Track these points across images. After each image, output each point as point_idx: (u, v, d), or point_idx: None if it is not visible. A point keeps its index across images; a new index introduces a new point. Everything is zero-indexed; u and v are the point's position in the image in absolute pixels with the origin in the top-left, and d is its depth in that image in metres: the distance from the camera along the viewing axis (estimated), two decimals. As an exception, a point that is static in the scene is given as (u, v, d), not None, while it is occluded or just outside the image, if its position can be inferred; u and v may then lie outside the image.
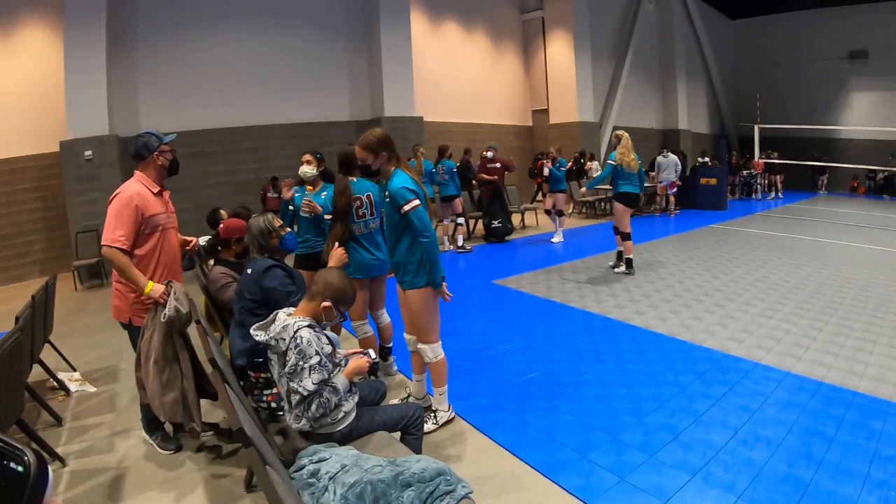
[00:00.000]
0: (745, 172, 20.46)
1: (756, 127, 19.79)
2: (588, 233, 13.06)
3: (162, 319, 3.46)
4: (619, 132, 8.74)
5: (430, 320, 3.90)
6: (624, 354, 5.31)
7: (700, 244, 11.13)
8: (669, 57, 23.00)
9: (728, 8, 27.05)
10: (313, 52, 13.58)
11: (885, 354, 5.14)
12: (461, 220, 11.24)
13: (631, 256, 8.59)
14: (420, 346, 3.97)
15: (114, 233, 3.50)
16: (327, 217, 4.73)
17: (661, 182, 15.70)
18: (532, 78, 19.51)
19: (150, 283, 3.59)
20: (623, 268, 8.64)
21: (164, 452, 3.86)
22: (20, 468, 0.37)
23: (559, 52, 18.39)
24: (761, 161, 20.19)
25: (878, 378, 4.62)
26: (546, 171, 11.45)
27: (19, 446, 0.38)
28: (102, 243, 3.53)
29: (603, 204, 16.52)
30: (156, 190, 3.75)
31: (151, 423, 3.90)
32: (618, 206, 8.52)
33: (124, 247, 3.52)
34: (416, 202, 3.59)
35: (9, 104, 10.91)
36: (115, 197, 3.59)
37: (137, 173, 3.77)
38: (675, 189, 15.86)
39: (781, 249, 10.55)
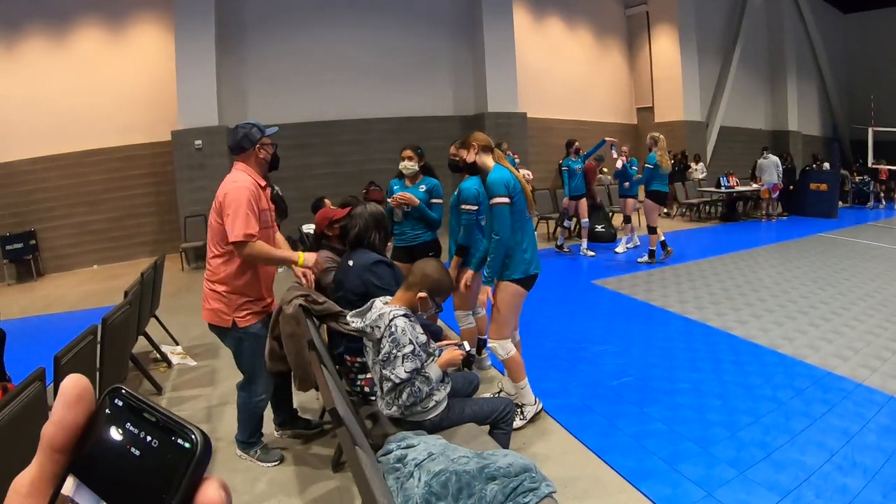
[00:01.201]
0: (858, 179, 19.22)
1: (870, 130, 18.59)
2: (692, 236, 12.63)
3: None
4: (656, 134, 9.04)
5: (507, 315, 3.91)
6: (722, 364, 5.12)
7: (807, 253, 10.57)
8: (779, 54, 21.79)
9: (840, 1, 25.31)
10: (416, 46, 13.71)
11: None
12: (583, 221, 10.49)
13: (654, 248, 9.25)
14: (490, 343, 3.99)
15: (246, 225, 3.22)
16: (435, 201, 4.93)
17: (763, 185, 14.99)
18: (637, 74, 19.04)
19: (301, 253, 3.51)
20: (646, 257, 9.35)
21: (267, 465, 3.66)
22: (187, 444, 0.40)
23: (664, 47, 17.86)
24: (886, 168, 18.84)
25: None
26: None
27: (188, 424, 0.41)
28: (236, 238, 3.22)
29: (708, 207, 15.98)
30: (263, 184, 3.52)
31: (248, 440, 3.71)
32: (650, 203, 9.09)
33: (256, 232, 3.28)
34: (504, 199, 3.65)
35: (124, 96, 11.66)
36: (231, 189, 3.32)
37: (241, 164, 3.48)
38: (778, 193, 15.13)
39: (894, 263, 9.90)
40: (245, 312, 3.43)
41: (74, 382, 0.43)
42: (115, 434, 0.41)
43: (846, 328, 6.13)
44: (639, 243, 10.60)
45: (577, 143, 9.88)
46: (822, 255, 10.39)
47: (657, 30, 18.04)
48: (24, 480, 0.42)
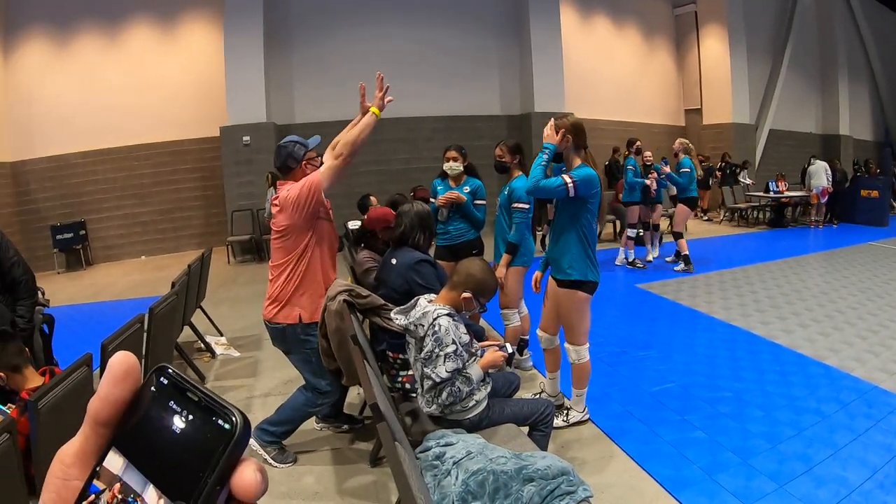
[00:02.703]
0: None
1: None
2: (739, 242, 12.39)
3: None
4: (685, 140, 9.04)
5: (581, 321, 3.87)
6: (765, 374, 5.04)
7: (857, 262, 10.29)
8: (830, 55, 21.06)
9: (894, 1, 24.28)
10: (463, 45, 13.71)
11: None
12: (631, 231, 9.46)
13: (687, 252, 9.00)
14: (567, 345, 3.95)
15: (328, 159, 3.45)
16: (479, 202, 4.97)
17: (813, 190, 14.61)
18: (685, 75, 18.71)
19: (373, 107, 3.62)
20: (682, 265, 9.04)
21: (282, 466, 3.62)
22: (227, 426, 0.43)
23: (713, 48, 17.49)
24: None
25: None
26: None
27: (228, 406, 0.43)
28: (324, 168, 3.39)
29: (756, 213, 15.69)
30: None
31: (275, 435, 3.64)
32: (684, 208, 9.06)
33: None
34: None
35: (174, 93, 11.98)
36: (297, 186, 3.35)
37: (289, 183, 3.47)
38: (827, 197, 14.73)
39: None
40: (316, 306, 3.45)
41: (122, 359, 0.45)
42: (159, 411, 0.44)
43: (894, 341, 5.98)
44: (655, 255, 10.04)
45: (638, 142, 9.39)
46: (872, 264, 10.10)
47: (706, 30, 17.69)
48: (69, 451, 0.44)
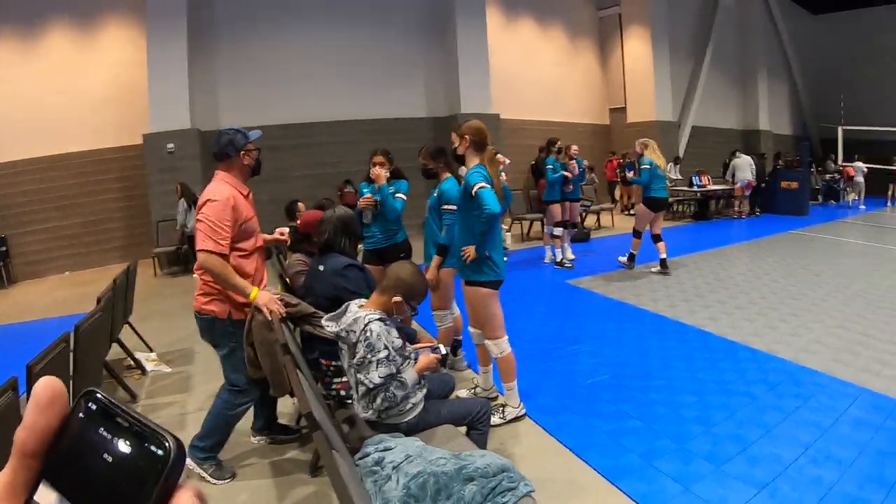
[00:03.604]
0: (828, 177, 19.57)
1: (839, 129, 18.90)
2: (665, 235, 12.56)
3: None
4: (645, 139, 8.83)
5: (491, 316, 3.96)
6: (695, 361, 5.18)
7: (778, 250, 10.73)
8: (750, 54, 22.15)
9: (810, 3, 25.75)
10: (390, 48, 13.72)
11: None
12: (556, 230, 9.30)
13: (636, 252, 8.92)
14: (486, 342, 4.02)
15: (214, 239, 3.14)
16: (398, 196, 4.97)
17: (737, 183, 15.24)
18: (609, 76, 19.19)
19: (255, 288, 3.28)
20: (625, 258, 8.98)
21: (221, 483, 3.48)
22: (160, 451, 0.40)
23: (636, 49, 18.01)
24: (849, 166, 19.16)
25: None
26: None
27: (161, 431, 0.40)
28: (200, 249, 3.16)
29: (681, 206, 16.21)
30: (245, 192, 3.45)
31: (206, 450, 3.49)
32: (645, 209, 8.71)
33: (225, 252, 3.19)
34: (487, 184, 3.70)
35: (94, 99, 11.56)
36: (208, 201, 3.22)
37: (222, 174, 3.41)
38: (751, 190, 15.41)
39: (864, 258, 10.07)
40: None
41: (47, 385, 0.42)
42: (89, 439, 0.41)
43: (816, 324, 6.25)
44: (572, 257, 9.72)
45: (559, 142, 9.29)
46: (793, 251, 10.57)
47: (629, 31, 18.19)
48: None
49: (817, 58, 26.18)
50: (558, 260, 9.33)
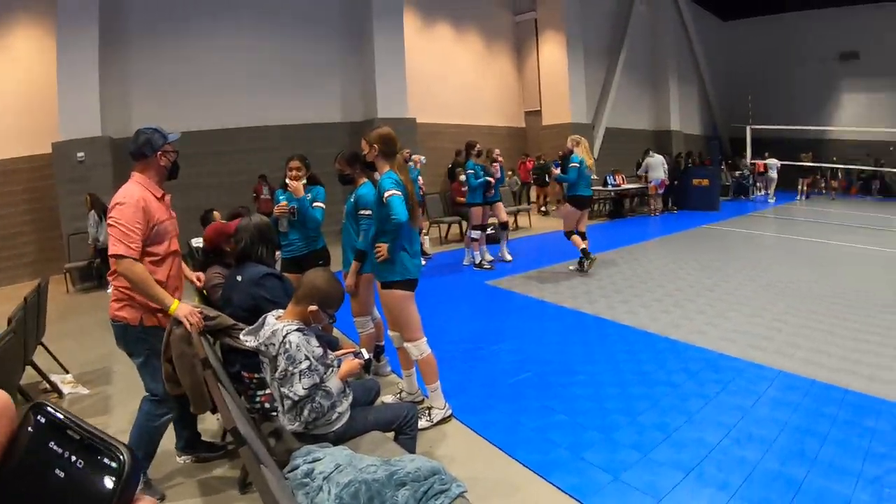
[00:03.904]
0: (737, 173, 20.56)
1: (748, 128, 19.87)
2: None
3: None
4: (577, 136, 8.88)
5: (408, 318, 3.99)
6: (616, 354, 5.33)
7: (692, 244, 11.17)
8: (661, 58, 23.11)
9: (720, 9, 27.20)
10: (306, 53, 13.56)
11: (877, 353, 5.18)
12: (474, 232, 9.27)
13: (585, 246, 8.71)
14: (405, 344, 4.04)
15: (126, 243, 3.03)
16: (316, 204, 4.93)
17: (651, 182, 15.82)
18: (525, 79, 19.54)
19: (176, 300, 3.16)
20: (584, 265, 8.70)
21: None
22: (114, 464, 0.38)
23: (552, 53, 18.41)
24: (761, 162, 20.43)
25: (869, 376, 4.65)
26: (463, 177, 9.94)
27: (114, 442, 0.39)
28: (114, 253, 3.03)
29: (597, 205, 16.59)
30: (159, 194, 3.32)
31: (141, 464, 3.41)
32: (571, 208, 8.74)
33: (136, 256, 3.06)
34: (397, 192, 3.76)
35: (0, 106, 10.89)
36: (117, 204, 3.11)
37: (137, 175, 3.29)
38: (664, 189, 16.05)
39: (774, 249, 10.62)
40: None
41: None
42: (39, 454, 0.40)
43: (732, 312, 6.55)
44: (490, 258, 9.59)
45: (478, 145, 9.28)
46: (706, 245, 11.01)
47: (545, 36, 18.60)
48: None
49: (726, 61, 27.73)
50: (477, 262, 9.35)
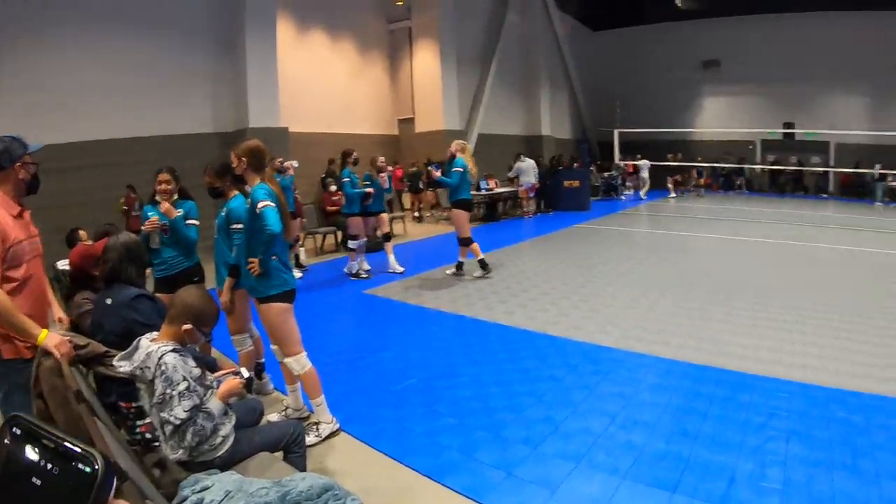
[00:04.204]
0: (606, 174, 21.68)
1: (615, 132, 20.94)
2: (455, 238, 12.96)
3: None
4: (462, 141, 8.99)
5: (287, 332, 3.91)
6: (497, 354, 5.42)
7: (565, 244, 11.62)
8: (533, 66, 23.97)
9: (590, 20, 28.76)
10: (176, 62, 12.84)
11: (745, 333, 5.70)
12: (352, 242, 9.08)
13: (482, 257, 8.74)
14: (285, 360, 3.95)
15: None
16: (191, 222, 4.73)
17: (521, 185, 16.36)
18: (398, 87, 19.63)
19: (45, 330, 2.79)
20: (480, 271, 8.69)
21: None
22: (88, 469, 0.37)
23: (425, 61, 18.62)
24: (632, 163, 21.87)
25: (740, 355, 5.10)
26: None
27: (89, 450, 0.38)
28: None
29: (474, 209, 16.91)
30: (15, 212, 2.97)
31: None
32: (461, 213, 8.67)
33: None
34: (271, 202, 3.70)
35: None
36: None
37: None
38: (535, 192, 16.68)
39: (644, 244, 11.26)
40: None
41: None
42: (16, 465, 0.38)
43: (606, 306, 6.89)
44: (368, 267, 9.31)
45: (355, 153, 9.05)
46: (579, 243, 11.49)
47: (419, 44, 18.78)
48: None
49: (596, 69, 29.31)
50: (354, 271, 9.16)
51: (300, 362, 3.91)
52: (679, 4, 22.26)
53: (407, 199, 17.50)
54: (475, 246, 8.70)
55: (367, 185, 8.96)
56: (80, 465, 0.39)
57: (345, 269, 9.36)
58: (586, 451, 3.58)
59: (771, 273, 8.50)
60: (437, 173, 9.15)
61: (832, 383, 4.51)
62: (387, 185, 9.29)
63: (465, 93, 19.93)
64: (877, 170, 20.74)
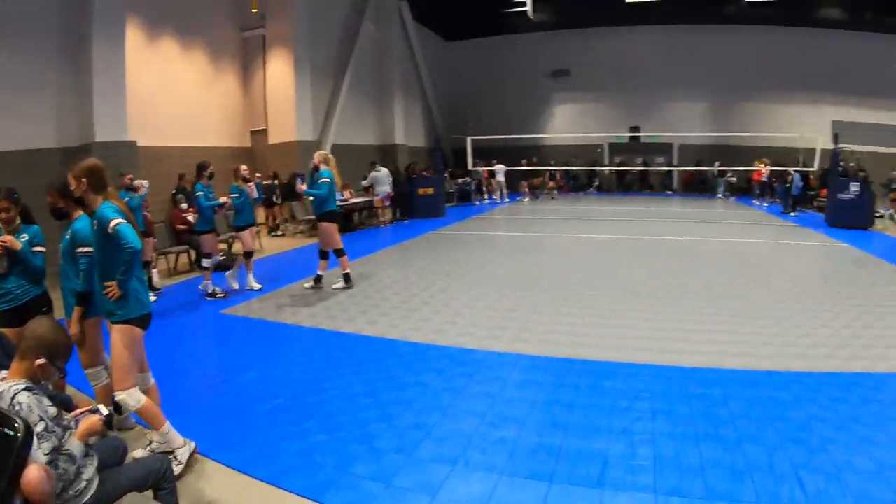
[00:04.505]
0: (460, 181, 22.19)
1: (468, 139, 21.46)
2: (311, 251, 12.19)
3: None
4: (325, 152, 8.97)
5: (132, 362, 3.68)
6: (363, 365, 5.40)
7: (421, 251, 11.80)
8: (387, 75, 24.06)
9: (444, 30, 29.29)
10: (13, 71, 11.57)
11: (600, 324, 6.06)
12: (206, 261, 8.64)
13: (348, 271, 8.70)
14: (117, 397, 3.66)
15: None
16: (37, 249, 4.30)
17: (377, 195, 16.44)
18: (251, 97, 19.00)
19: None
20: (342, 283, 8.60)
21: None
22: (11, 432, 0.34)
23: (279, 70, 18.16)
24: (486, 169, 22.83)
25: (598, 345, 5.45)
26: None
27: (11, 415, 0.35)
28: None
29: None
30: None
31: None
32: (330, 225, 8.59)
33: None
34: (123, 219, 3.53)
35: None
36: None
37: None
38: (390, 200, 16.82)
39: (499, 246, 11.68)
40: None
41: None
42: None
43: (466, 309, 7.08)
44: (237, 287, 8.89)
45: (210, 167, 8.62)
46: (435, 250, 11.71)
47: (273, 53, 18.24)
48: None
49: (449, 78, 29.98)
50: (209, 291, 8.58)
51: (134, 397, 3.63)
52: (531, 16, 23.25)
53: (261, 214, 16.94)
54: (345, 259, 8.64)
55: (236, 198, 8.67)
56: (7, 430, 0.38)
57: (200, 287, 8.90)
58: (461, 452, 3.66)
59: (625, 266, 9.15)
60: (303, 186, 8.95)
61: (689, 363, 4.96)
62: (256, 195, 9.09)
63: (319, 103, 19.64)
64: (716, 167, 23.20)
